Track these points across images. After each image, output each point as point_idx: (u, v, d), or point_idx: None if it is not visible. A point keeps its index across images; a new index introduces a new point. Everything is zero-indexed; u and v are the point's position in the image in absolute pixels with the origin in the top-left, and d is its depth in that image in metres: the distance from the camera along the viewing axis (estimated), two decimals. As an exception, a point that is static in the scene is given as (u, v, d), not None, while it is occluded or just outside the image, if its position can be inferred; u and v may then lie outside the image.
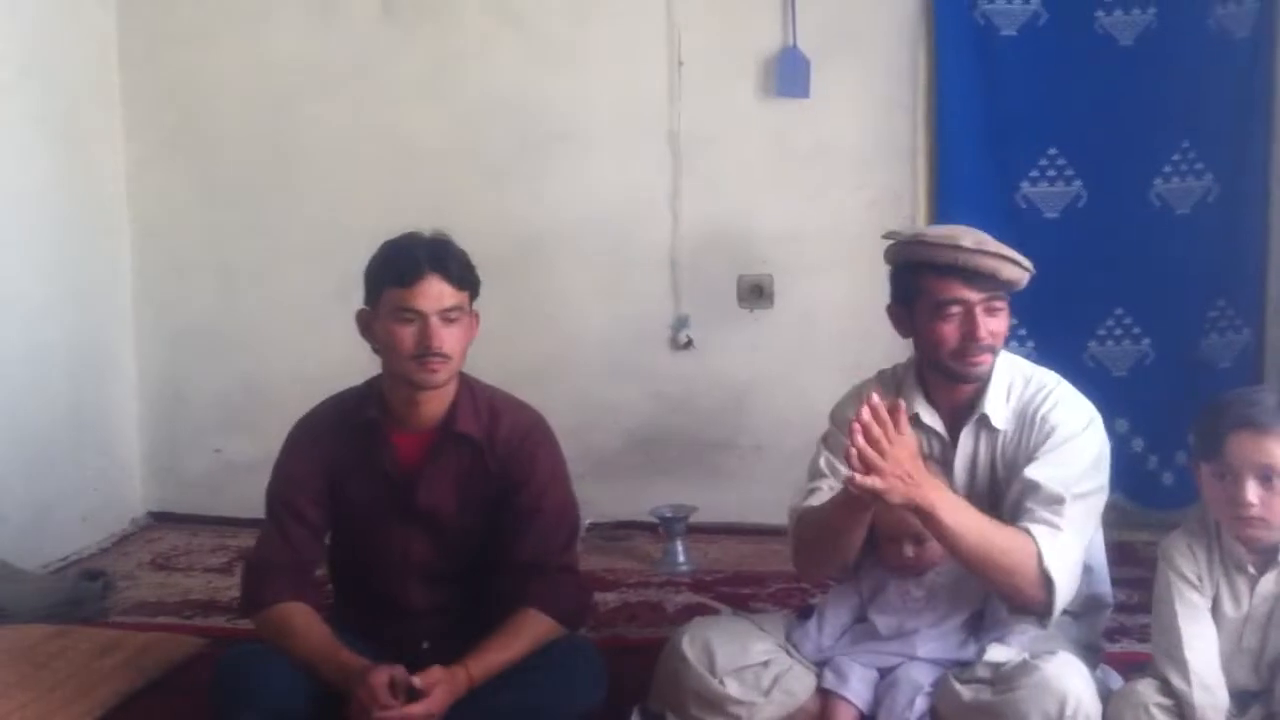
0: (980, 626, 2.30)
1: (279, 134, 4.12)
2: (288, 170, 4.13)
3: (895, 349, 2.56)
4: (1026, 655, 2.17)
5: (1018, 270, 2.28)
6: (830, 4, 3.83)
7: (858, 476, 2.04)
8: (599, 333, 4.04)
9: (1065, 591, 2.17)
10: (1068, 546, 2.17)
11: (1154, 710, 2.10)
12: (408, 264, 2.37)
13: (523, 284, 3.88)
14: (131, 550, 3.96)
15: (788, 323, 3.95)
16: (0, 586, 3.22)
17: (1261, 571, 2.16)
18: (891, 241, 2.39)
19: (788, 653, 2.34)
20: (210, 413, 4.24)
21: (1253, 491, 2.08)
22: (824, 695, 2.29)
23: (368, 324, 2.45)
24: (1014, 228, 3.50)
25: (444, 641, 2.41)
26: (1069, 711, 2.05)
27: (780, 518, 2.42)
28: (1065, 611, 2.26)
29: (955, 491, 2.27)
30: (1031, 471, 2.23)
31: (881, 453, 2.05)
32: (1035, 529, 2.16)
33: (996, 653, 2.20)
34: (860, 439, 2.05)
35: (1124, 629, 2.96)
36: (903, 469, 2.07)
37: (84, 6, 4.03)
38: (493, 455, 2.47)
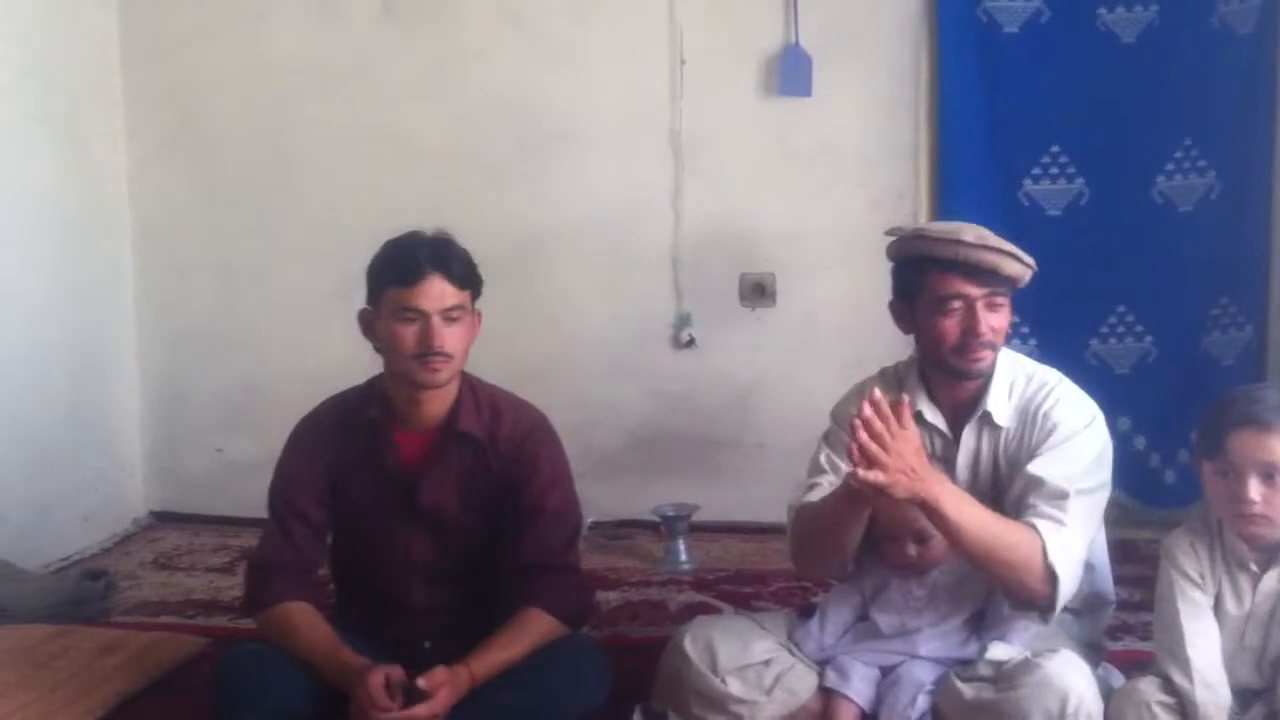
0: (982, 625, 2.30)
1: (280, 134, 4.12)
2: (288, 170, 4.13)
3: (897, 347, 2.56)
4: (1028, 653, 2.17)
5: (1019, 266, 2.27)
6: (832, 2, 3.83)
7: (861, 471, 2.03)
8: (600, 332, 4.04)
9: (1069, 587, 2.16)
10: (1071, 542, 2.17)
11: (1156, 708, 2.10)
12: (410, 263, 2.36)
13: (524, 283, 3.88)
14: (133, 550, 3.96)
15: (790, 321, 3.95)
16: (2, 586, 3.22)
17: (1264, 569, 2.16)
18: (894, 238, 2.39)
19: (790, 651, 2.33)
20: (211, 412, 4.24)
21: (1255, 489, 2.07)
22: (826, 694, 2.29)
23: (369, 323, 2.45)
24: (1016, 225, 3.49)
25: (446, 641, 2.41)
26: (1071, 709, 2.04)
27: (782, 516, 2.42)
28: (1067, 609, 2.26)
29: None
30: (1034, 467, 2.23)
31: (885, 447, 2.04)
32: (1040, 524, 2.16)
33: (998, 651, 2.20)
34: (864, 434, 2.04)
35: (1126, 627, 2.95)
36: (907, 463, 2.06)
37: (85, 7, 4.03)
38: (495, 454, 2.47)
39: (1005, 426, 2.34)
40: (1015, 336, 3.65)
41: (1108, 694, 2.17)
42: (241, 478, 3.90)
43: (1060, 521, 2.16)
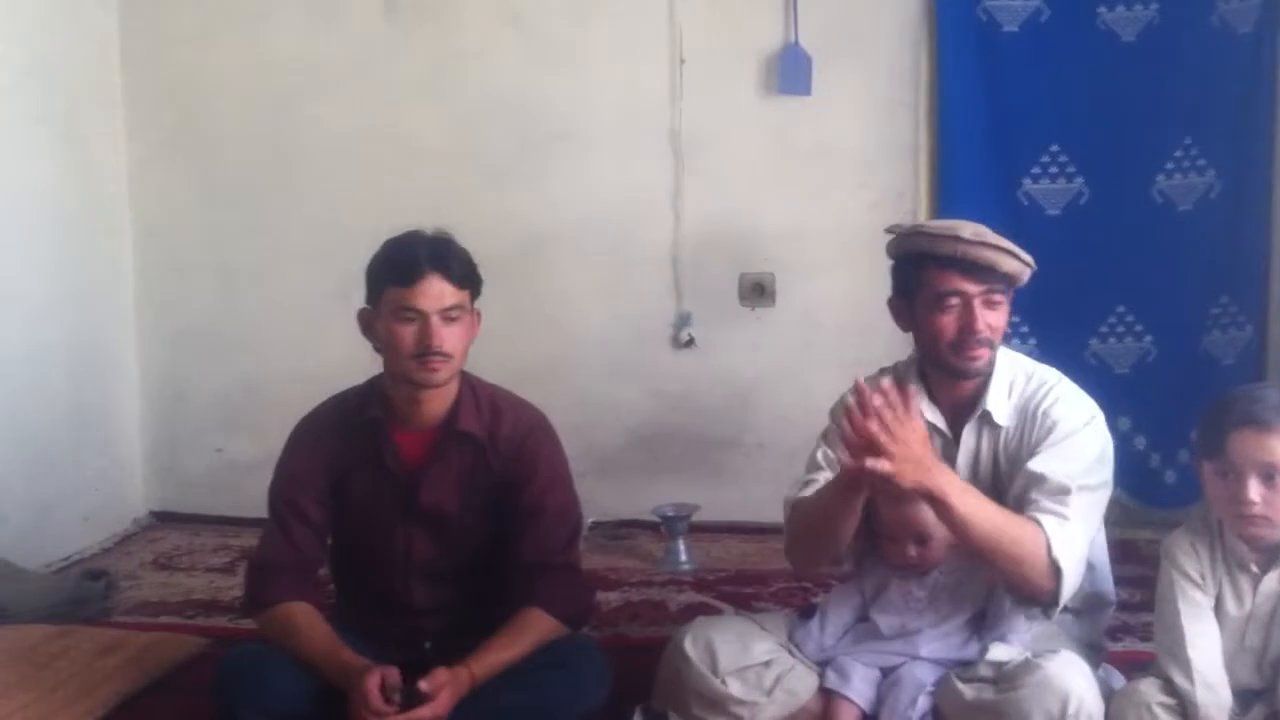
0: (982, 626, 2.29)
1: (280, 134, 4.12)
2: (288, 170, 4.13)
3: (897, 347, 2.56)
4: (1029, 654, 2.17)
5: (1017, 264, 2.27)
6: (832, 2, 3.83)
7: (869, 460, 2.03)
8: (600, 331, 4.04)
9: (1072, 582, 2.17)
10: (1075, 537, 2.17)
11: (1156, 709, 2.10)
12: (409, 263, 2.36)
13: (524, 283, 3.88)
14: (133, 550, 3.96)
15: (789, 321, 3.95)
16: (2, 586, 3.22)
17: (1264, 570, 2.16)
18: (893, 235, 2.39)
19: (790, 652, 2.33)
20: (211, 412, 4.24)
21: (1254, 489, 2.07)
22: (826, 695, 2.28)
23: (369, 323, 2.45)
24: (1016, 225, 3.48)
25: (446, 641, 2.41)
26: (1071, 710, 2.04)
27: (782, 516, 2.42)
28: (1067, 609, 2.27)
29: None
30: (1035, 464, 2.23)
31: (893, 436, 2.04)
32: (1043, 519, 2.16)
33: (999, 652, 2.20)
34: (874, 423, 2.04)
35: (1126, 627, 2.95)
36: (913, 453, 2.07)
37: (85, 7, 4.03)
38: (495, 454, 2.47)
39: (1005, 425, 2.34)
40: (1015, 336, 3.66)
41: (1108, 695, 2.16)
42: (242, 478, 3.91)
43: (1063, 516, 2.16)
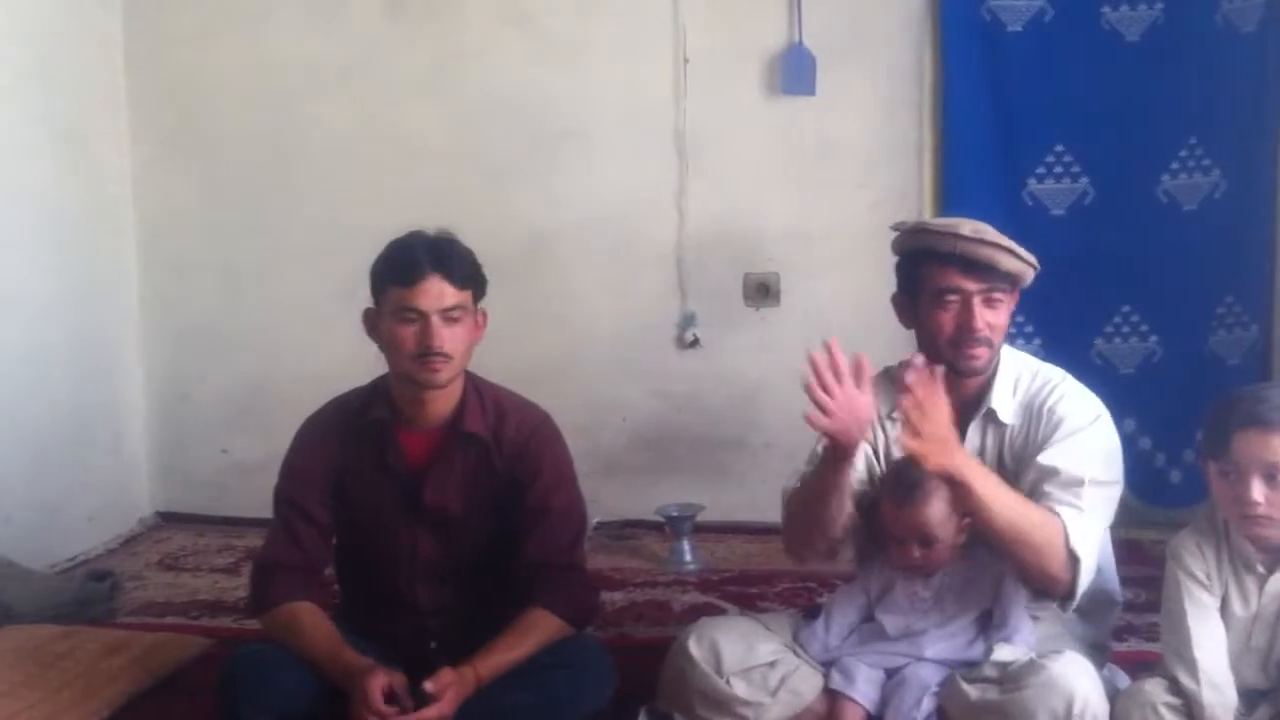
0: (988, 626, 2.29)
1: (283, 134, 4.13)
2: (291, 170, 4.13)
3: (901, 346, 2.55)
4: (1033, 654, 2.17)
5: (1017, 262, 2.27)
6: (835, 1, 3.82)
7: (903, 436, 2.06)
8: (605, 331, 4.04)
9: (1089, 573, 2.17)
10: (1091, 529, 2.18)
11: (1162, 709, 2.09)
12: (409, 263, 2.36)
13: (528, 283, 3.88)
14: (139, 550, 3.97)
15: (794, 321, 3.95)
16: (8, 587, 3.22)
17: (1270, 570, 2.15)
18: (898, 232, 2.39)
19: (794, 653, 2.33)
20: (216, 412, 4.24)
21: (1258, 490, 2.07)
22: (831, 696, 2.28)
23: (374, 324, 2.45)
24: (1020, 225, 3.48)
25: (452, 641, 2.41)
26: (1076, 710, 2.04)
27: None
28: (1074, 609, 2.26)
29: None
30: (1046, 458, 2.23)
31: (924, 414, 2.05)
32: (1060, 509, 2.16)
33: (1004, 652, 2.20)
34: (908, 399, 2.06)
35: (1132, 628, 2.95)
36: (941, 433, 2.07)
37: (88, 8, 4.03)
38: (499, 454, 2.47)
39: (1010, 424, 2.34)
40: (1020, 336, 3.65)
41: (1113, 695, 2.16)
42: (247, 478, 3.90)
43: (1078, 508, 2.17)
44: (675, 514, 3.69)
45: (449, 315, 2.36)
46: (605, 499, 3.74)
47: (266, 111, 4.12)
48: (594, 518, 3.55)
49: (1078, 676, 2.08)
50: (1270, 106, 3.59)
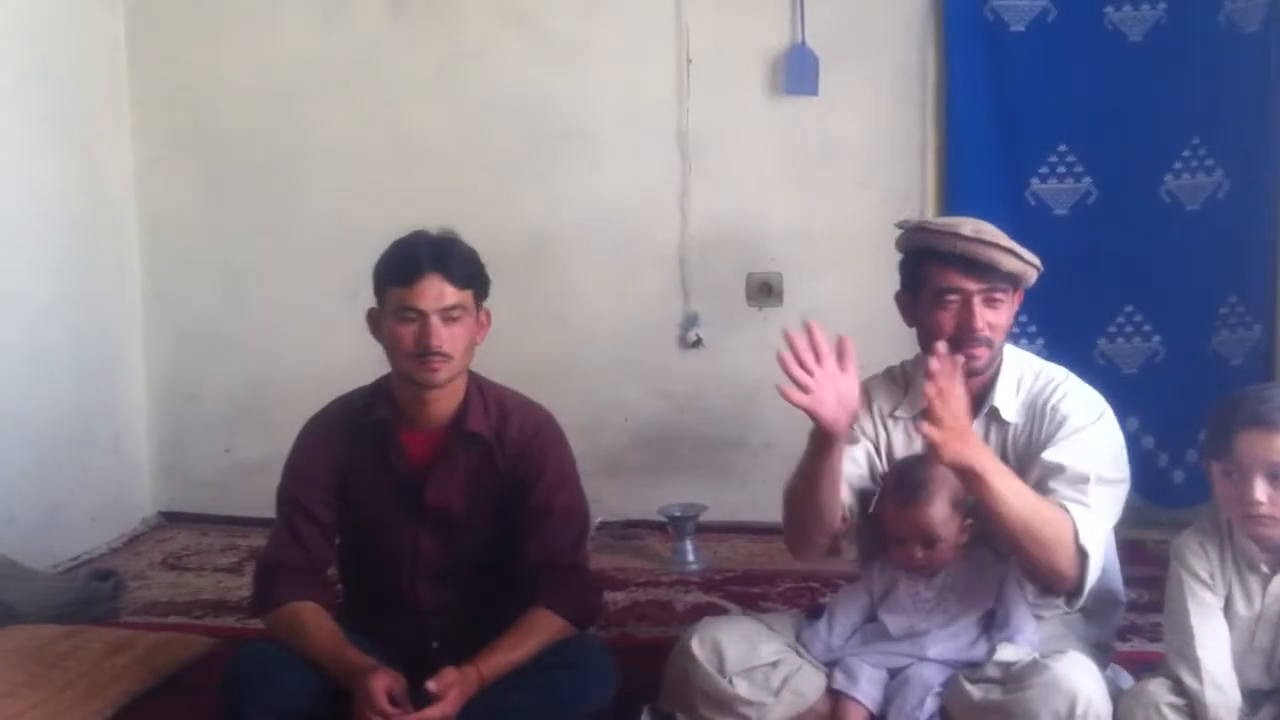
0: (991, 626, 2.29)
1: (286, 133, 4.13)
2: (295, 170, 4.13)
3: (903, 346, 2.56)
4: (1036, 654, 2.17)
5: (1018, 263, 2.26)
6: (839, 1, 3.82)
7: (924, 426, 2.06)
8: (608, 331, 4.04)
9: (1096, 570, 2.17)
10: (1099, 525, 2.17)
11: (1165, 710, 2.09)
12: (409, 263, 2.37)
13: (531, 283, 3.88)
14: (142, 550, 3.97)
15: (797, 321, 3.85)
16: (11, 586, 3.22)
17: (1274, 570, 2.15)
18: (902, 230, 2.39)
19: (797, 653, 2.33)
20: (219, 412, 4.24)
21: (1261, 490, 2.07)
22: (834, 696, 2.28)
23: (377, 323, 2.45)
24: (1023, 225, 3.47)
25: (454, 640, 2.41)
26: (1079, 711, 2.04)
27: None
28: (1078, 608, 2.26)
29: None
30: (1051, 455, 2.23)
31: (945, 403, 2.06)
32: (1068, 505, 2.16)
33: (1007, 652, 2.19)
34: (931, 387, 2.07)
35: (1135, 628, 2.95)
36: (959, 424, 2.07)
37: (92, 9, 4.04)
38: (502, 454, 2.47)
39: (1013, 422, 2.34)
40: (1023, 336, 3.65)
41: (1116, 695, 2.16)
42: (250, 478, 3.91)
43: (1085, 505, 2.16)
44: (678, 514, 3.69)
45: (448, 315, 2.36)
46: (607, 499, 3.74)
47: (269, 111, 4.13)
48: (596, 518, 3.55)
49: (1081, 676, 2.07)
50: (1273, 106, 3.58)
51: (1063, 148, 3.75)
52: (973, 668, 2.22)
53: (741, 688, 2.25)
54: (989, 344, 2.29)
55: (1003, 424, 2.35)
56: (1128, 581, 2.51)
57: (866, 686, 2.26)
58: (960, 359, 2.16)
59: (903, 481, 2.29)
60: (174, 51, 4.16)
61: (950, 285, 2.26)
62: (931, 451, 2.12)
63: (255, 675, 2.29)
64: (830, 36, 3.82)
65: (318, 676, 2.30)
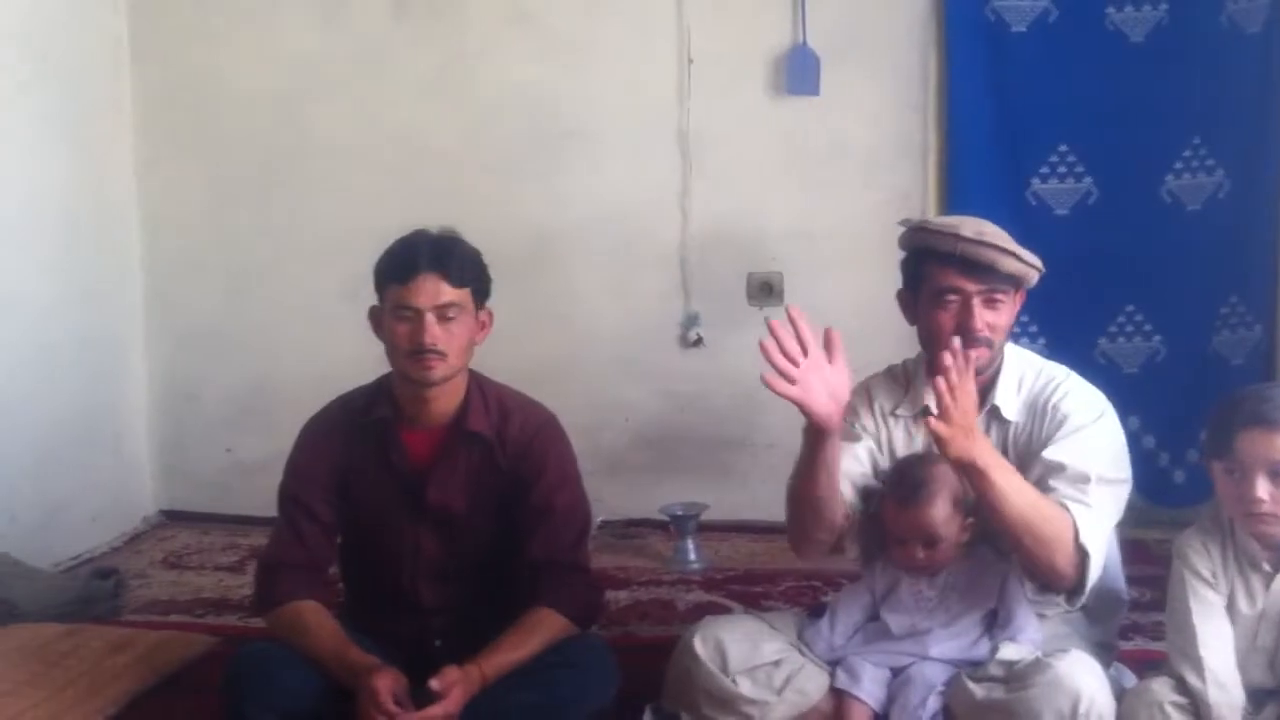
0: (993, 625, 2.29)
1: (288, 133, 4.13)
2: (296, 169, 4.13)
3: (905, 346, 2.56)
4: (1039, 653, 2.17)
5: (1018, 264, 2.26)
6: (840, 1, 3.83)
7: (931, 421, 2.06)
8: (609, 331, 4.04)
9: (1097, 569, 2.17)
10: (1099, 525, 2.17)
11: (1168, 708, 2.09)
12: (406, 261, 2.38)
13: (532, 282, 3.88)
14: (143, 549, 3.97)
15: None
16: (13, 585, 3.22)
17: (1276, 569, 2.15)
18: (904, 228, 2.39)
19: (800, 652, 2.33)
20: (220, 412, 4.24)
21: (1263, 488, 2.07)
22: (837, 695, 2.28)
23: (378, 321, 2.45)
24: (1024, 225, 3.48)
25: (456, 639, 2.41)
26: (1082, 709, 2.04)
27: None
28: (1080, 608, 2.26)
29: None
30: (1051, 453, 2.23)
31: (955, 398, 2.06)
32: (1069, 504, 2.16)
33: (1009, 651, 2.19)
34: (942, 381, 2.07)
35: (1137, 627, 2.95)
36: (969, 421, 2.08)
37: (94, 8, 4.04)
38: (503, 453, 2.47)
39: (1014, 421, 2.34)
40: (1024, 335, 3.65)
41: (1119, 694, 2.16)
42: (251, 477, 3.91)
43: (1086, 504, 2.16)
44: (679, 513, 3.70)
45: (444, 313, 2.37)
46: (609, 498, 3.73)
47: (270, 111, 4.13)
48: (598, 517, 3.54)
49: (1084, 675, 2.07)
50: (1274, 107, 3.58)
51: (1064, 148, 3.75)
52: (975, 666, 2.21)
53: (744, 686, 2.25)
54: (989, 344, 2.29)
55: (1004, 422, 2.35)
56: (1130, 580, 2.51)
57: (869, 685, 2.25)
58: (973, 353, 2.16)
59: (903, 481, 2.29)
60: (176, 51, 4.16)
61: (950, 285, 2.26)
62: (936, 447, 2.12)
63: (257, 674, 2.29)
64: (831, 36, 3.83)
65: (319, 675, 2.30)
